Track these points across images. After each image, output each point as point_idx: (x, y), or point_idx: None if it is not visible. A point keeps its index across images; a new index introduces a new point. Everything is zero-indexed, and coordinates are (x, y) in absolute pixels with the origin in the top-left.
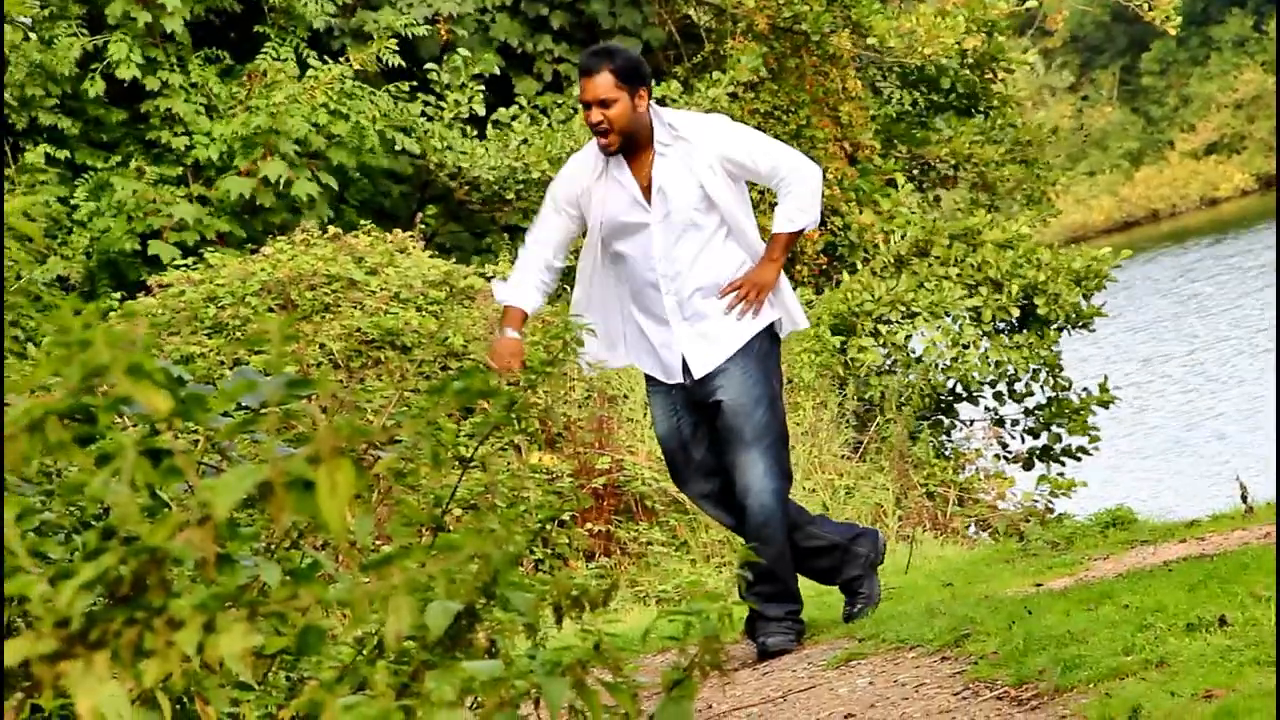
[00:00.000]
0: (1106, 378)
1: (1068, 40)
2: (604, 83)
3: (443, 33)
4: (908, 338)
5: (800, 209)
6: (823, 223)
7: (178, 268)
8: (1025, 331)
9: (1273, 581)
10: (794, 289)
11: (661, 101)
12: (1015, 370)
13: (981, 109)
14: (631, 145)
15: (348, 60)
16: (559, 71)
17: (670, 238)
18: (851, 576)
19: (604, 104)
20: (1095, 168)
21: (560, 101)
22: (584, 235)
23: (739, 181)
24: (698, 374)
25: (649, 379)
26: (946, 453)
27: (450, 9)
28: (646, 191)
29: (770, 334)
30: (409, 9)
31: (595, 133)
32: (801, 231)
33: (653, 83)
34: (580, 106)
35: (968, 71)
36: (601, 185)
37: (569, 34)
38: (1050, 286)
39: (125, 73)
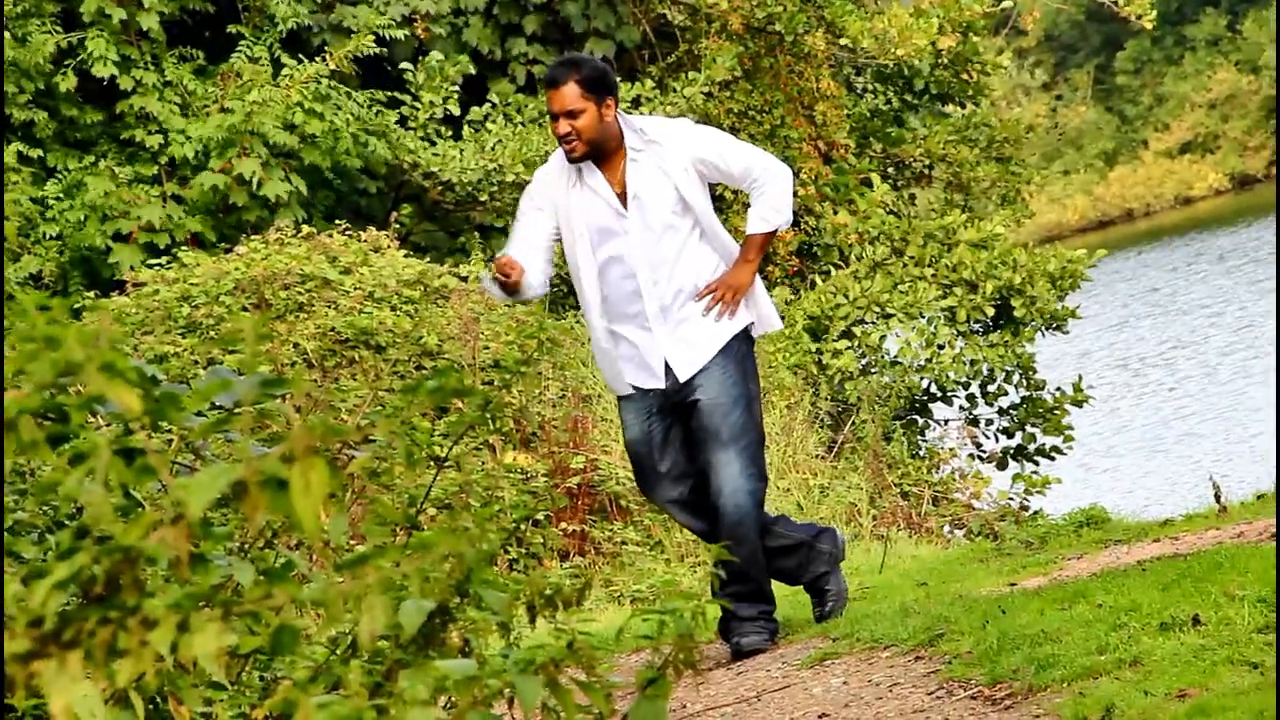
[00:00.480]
0: (1080, 377)
1: (1042, 39)
2: (570, 93)
3: (420, 31)
4: (882, 338)
5: (774, 209)
6: (796, 223)
7: (151, 267)
8: (1000, 331)
9: (1246, 580)
10: (768, 290)
11: (636, 101)
12: (991, 370)
13: (956, 102)
14: (600, 153)
15: (325, 59)
16: (532, 74)
17: (650, 242)
18: (817, 574)
19: (571, 115)
20: (1070, 167)
21: (533, 104)
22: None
23: (706, 184)
24: (683, 377)
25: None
26: (921, 452)
27: (428, 7)
28: (622, 198)
29: (747, 336)
30: (386, 7)
31: (562, 143)
32: (775, 232)
33: (619, 89)
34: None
35: (942, 71)
36: (577, 195)
37: (542, 37)
38: (1027, 289)
39: (102, 70)
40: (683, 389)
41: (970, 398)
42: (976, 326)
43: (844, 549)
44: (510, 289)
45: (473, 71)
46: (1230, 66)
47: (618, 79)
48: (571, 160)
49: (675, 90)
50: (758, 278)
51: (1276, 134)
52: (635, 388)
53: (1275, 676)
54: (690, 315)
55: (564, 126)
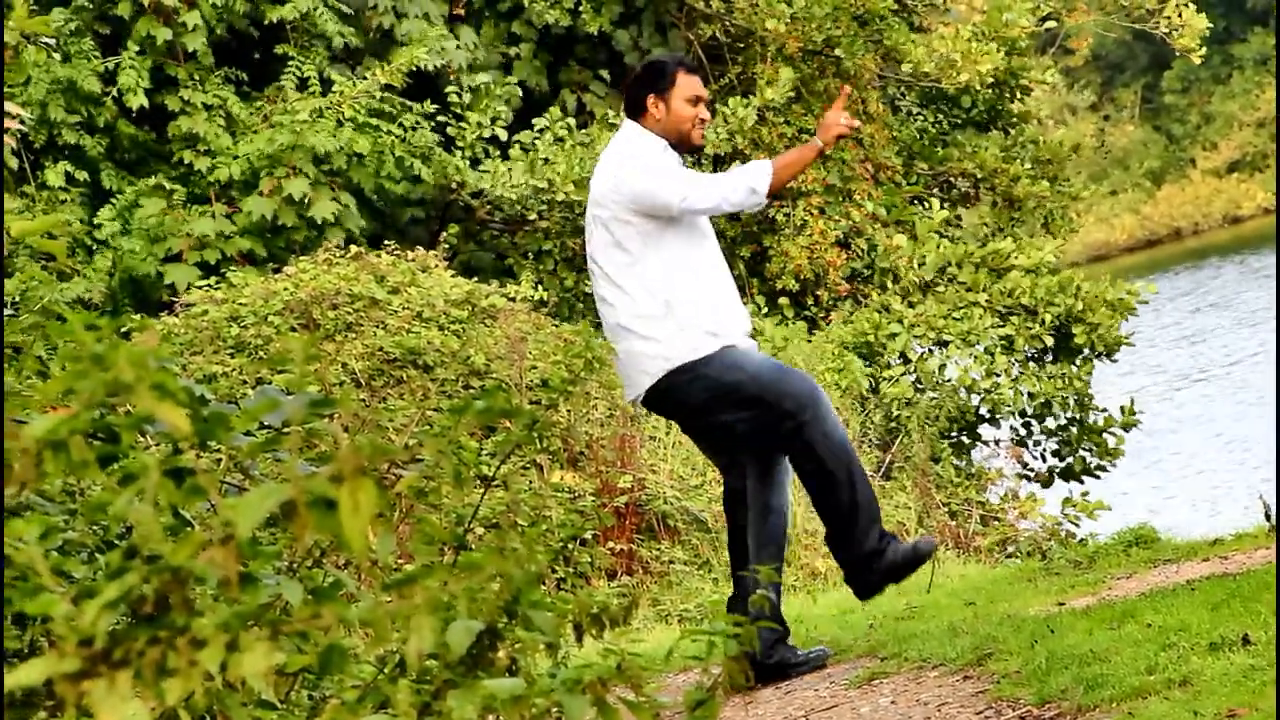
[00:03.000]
0: (1132, 400)
1: (1089, 59)
2: (701, 84)
3: (451, 76)
4: (942, 367)
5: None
6: (847, 245)
7: (200, 287)
8: (1058, 361)
9: None
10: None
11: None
12: (1050, 402)
13: (1000, 126)
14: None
15: (375, 75)
16: (582, 101)
17: None
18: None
19: (708, 104)
20: (1117, 186)
21: (584, 124)
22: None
23: None
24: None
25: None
26: (970, 472)
27: (459, 60)
28: None
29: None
30: (422, 40)
31: (699, 126)
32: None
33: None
34: (684, 102)
35: (988, 91)
36: None
37: (592, 62)
38: (1089, 316)
39: (133, 101)
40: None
41: (1025, 423)
42: (1031, 353)
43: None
44: None
45: (519, 96)
46: None
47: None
48: (699, 148)
49: (729, 112)
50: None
51: (1277, 143)
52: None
53: (1275, 684)
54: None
55: (704, 112)
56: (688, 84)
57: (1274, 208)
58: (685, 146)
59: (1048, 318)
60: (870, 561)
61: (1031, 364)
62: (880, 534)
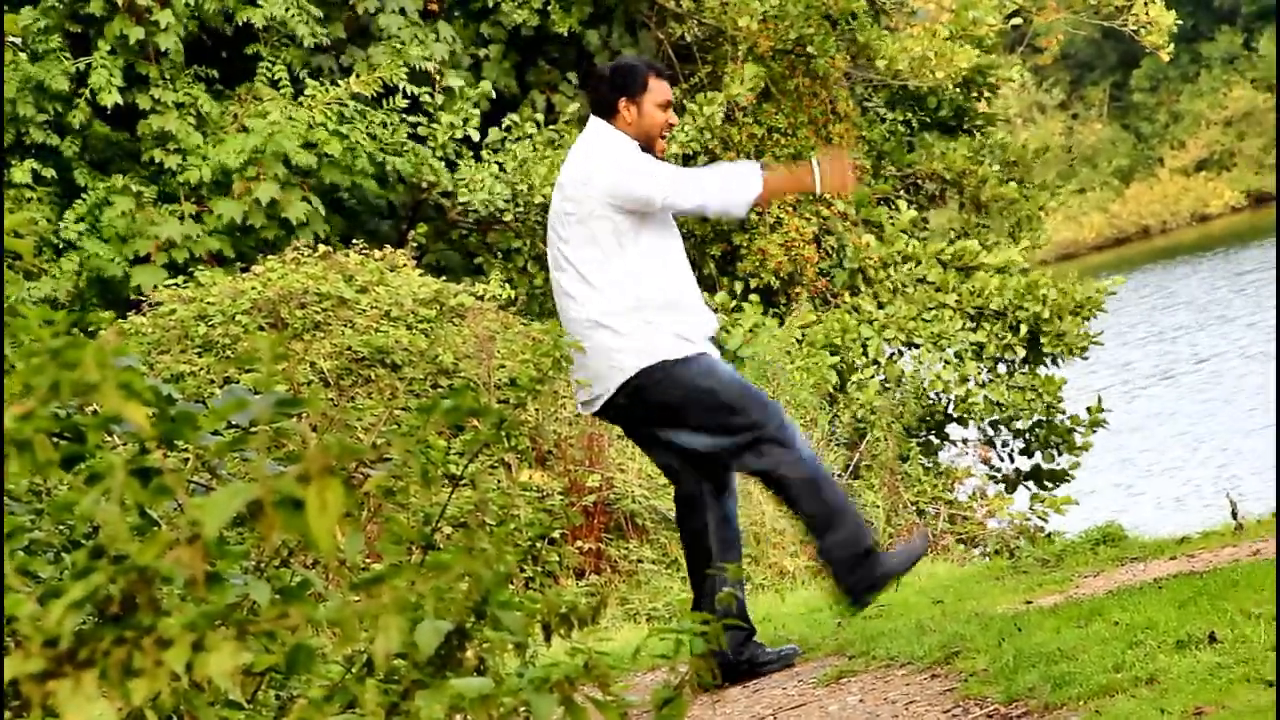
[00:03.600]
0: (1100, 399)
1: (1058, 57)
2: (669, 90)
3: (434, 73)
4: (914, 372)
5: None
6: (819, 244)
7: (168, 286)
8: (1028, 369)
9: (1263, 598)
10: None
11: None
12: (1019, 414)
13: (967, 127)
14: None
15: (347, 84)
16: (551, 101)
17: None
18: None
19: (676, 110)
20: (1086, 184)
21: (554, 124)
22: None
23: None
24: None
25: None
26: (939, 471)
27: (441, 53)
28: None
29: (675, 362)
30: (400, 48)
31: (666, 131)
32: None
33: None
34: (655, 107)
35: (956, 91)
36: None
37: (561, 62)
38: (1055, 324)
39: (107, 99)
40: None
41: (994, 423)
42: (1000, 359)
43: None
44: None
45: (493, 95)
46: (1246, 84)
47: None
48: (661, 152)
49: (695, 110)
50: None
51: (1278, 142)
52: None
53: (1276, 686)
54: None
55: (672, 119)
56: (659, 89)
57: (1241, 205)
58: (650, 150)
59: (1023, 326)
60: (856, 566)
61: (1000, 368)
62: (866, 538)
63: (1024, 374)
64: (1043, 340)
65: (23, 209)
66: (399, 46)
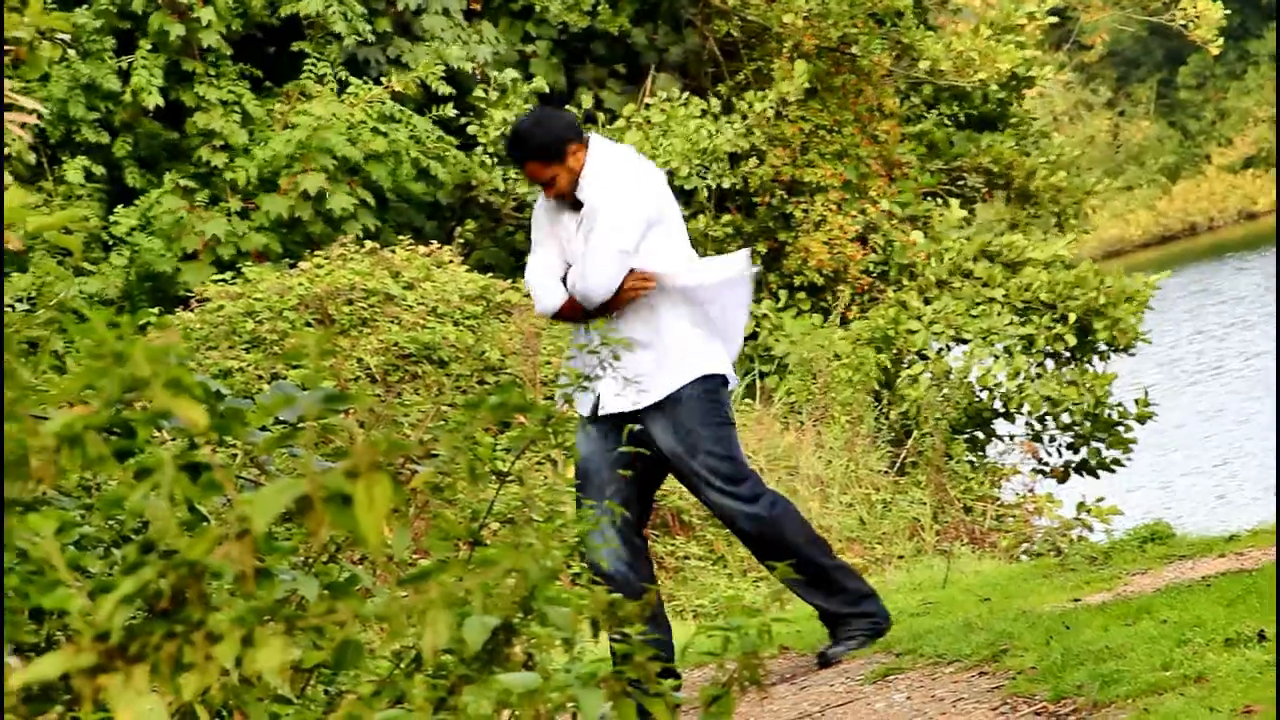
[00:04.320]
0: (1146, 391)
1: (1105, 54)
2: (535, 171)
3: (477, 74)
4: (965, 369)
5: (579, 275)
6: (865, 241)
7: (216, 282)
8: (1077, 363)
9: None
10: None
11: (703, 114)
12: (1069, 408)
13: (1007, 124)
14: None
15: (388, 83)
16: (600, 98)
17: None
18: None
19: (547, 184)
20: (1132, 182)
21: (602, 121)
22: None
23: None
24: (604, 410)
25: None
26: (984, 469)
27: (483, 55)
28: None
29: (702, 381)
30: (445, 46)
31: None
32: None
33: (576, 131)
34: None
35: (996, 87)
36: (559, 225)
37: (609, 61)
38: (1111, 310)
39: (148, 100)
40: (640, 431)
41: (1040, 417)
42: (1051, 352)
43: (884, 625)
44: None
45: (546, 90)
46: None
47: (570, 121)
48: (568, 206)
49: (744, 107)
50: (690, 327)
51: (1277, 141)
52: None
53: (1275, 687)
54: (632, 360)
55: (548, 194)
56: (528, 176)
57: None
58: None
59: (1072, 316)
60: (837, 623)
61: (1049, 362)
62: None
63: (1073, 369)
64: (1096, 327)
65: (73, 206)
66: (440, 46)
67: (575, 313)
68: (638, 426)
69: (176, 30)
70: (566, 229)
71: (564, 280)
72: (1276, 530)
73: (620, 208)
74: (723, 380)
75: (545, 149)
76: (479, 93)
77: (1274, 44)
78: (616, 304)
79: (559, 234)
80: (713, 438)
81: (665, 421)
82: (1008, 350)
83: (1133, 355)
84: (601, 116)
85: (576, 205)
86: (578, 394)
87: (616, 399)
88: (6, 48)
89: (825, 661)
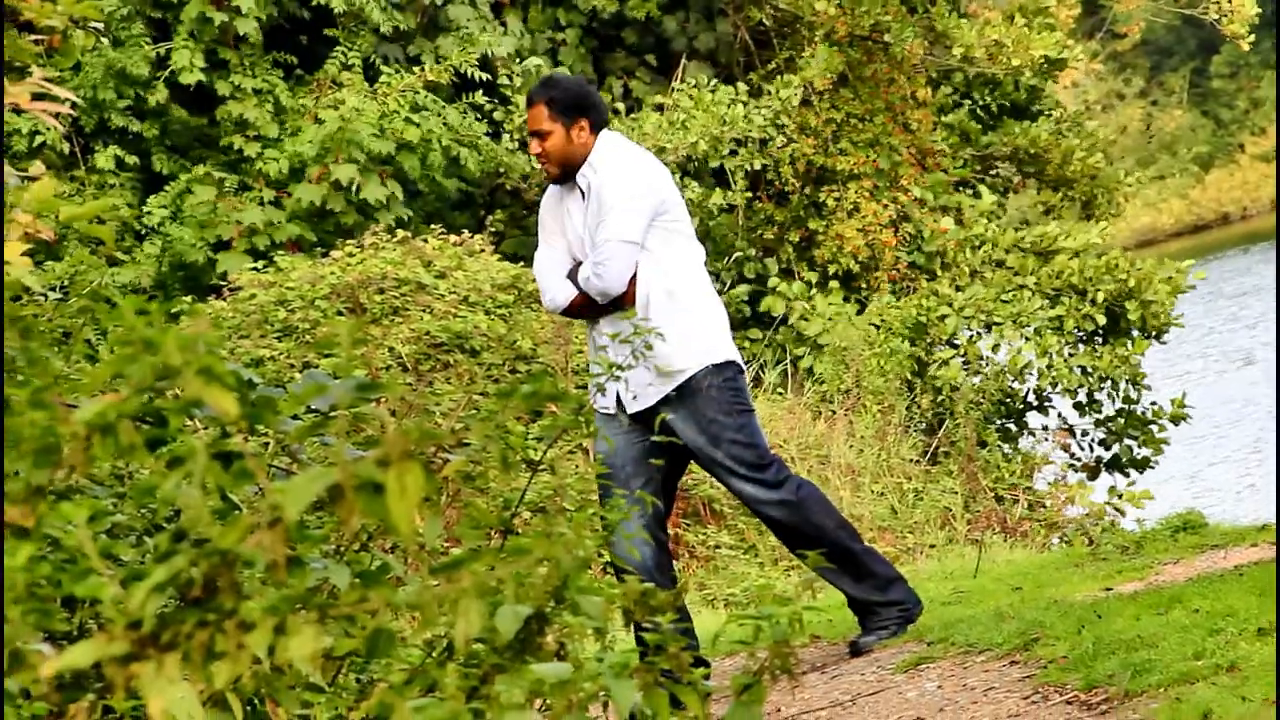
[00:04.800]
0: (1184, 394)
1: (1137, 44)
2: (539, 114)
3: (498, 66)
4: (995, 348)
5: (594, 272)
6: (896, 229)
7: (248, 271)
8: (1109, 342)
9: None
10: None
11: (732, 102)
12: (1106, 378)
13: (1038, 112)
14: (568, 173)
15: (421, 71)
16: (629, 87)
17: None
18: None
19: (539, 135)
20: (1165, 171)
21: (631, 109)
22: None
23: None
24: (629, 410)
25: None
26: (1016, 458)
27: (508, 48)
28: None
29: (716, 369)
30: (470, 38)
31: (537, 161)
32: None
33: (601, 113)
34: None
35: (1029, 74)
36: (563, 213)
37: (639, 50)
38: (1142, 292)
39: (189, 78)
40: (663, 427)
41: (1077, 405)
42: (1082, 334)
43: (915, 611)
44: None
45: None
46: None
47: (597, 103)
48: (549, 181)
49: (770, 94)
50: (700, 315)
51: (1278, 143)
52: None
53: (1275, 686)
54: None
55: (535, 146)
56: (530, 118)
57: None
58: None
59: (1099, 296)
60: (867, 612)
61: (1082, 345)
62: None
63: (1105, 349)
64: (1128, 308)
65: (105, 195)
66: (468, 35)
67: (586, 308)
68: (669, 414)
69: (218, 17)
70: (572, 218)
71: (570, 276)
72: (1277, 528)
73: (627, 197)
74: (738, 367)
75: (560, 101)
76: (504, 80)
77: None
78: (628, 298)
79: (565, 225)
80: (734, 426)
81: (686, 412)
82: (1038, 332)
83: (1164, 344)
84: (622, 106)
85: (574, 186)
86: (596, 392)
87: (642, 394)
88: (39, 36)
89: (857, 651)
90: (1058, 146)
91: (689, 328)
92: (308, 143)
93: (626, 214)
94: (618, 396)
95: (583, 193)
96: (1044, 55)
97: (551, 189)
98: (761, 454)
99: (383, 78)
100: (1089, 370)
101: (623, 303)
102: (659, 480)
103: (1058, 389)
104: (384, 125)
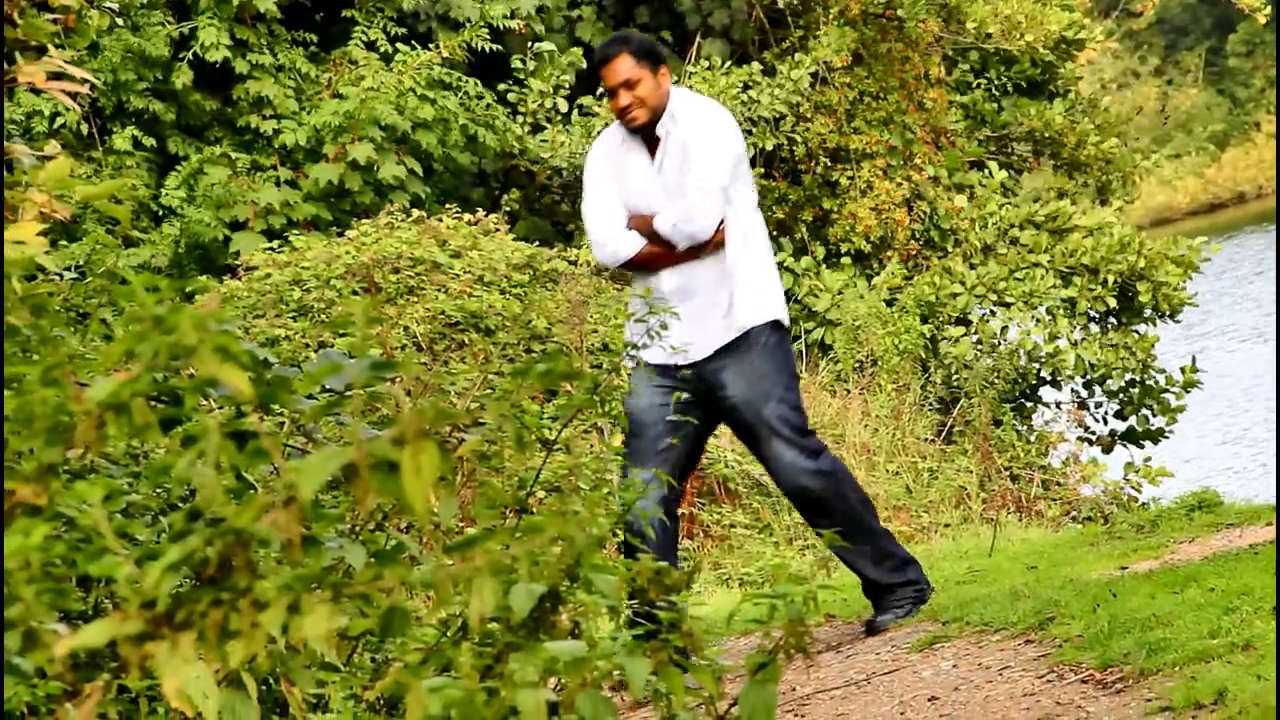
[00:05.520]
0: (1194, 359)
1: (1153, 22)
2: (625, 65)
3: (520, 28)
4: (1004, 329)
5: (685, 218)
6: (910, 208)
7: (264, 251)
8: (1122, 328)
9: None
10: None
11: (746, 86)
12: (1112, 373)
13: (1054, 91)
14: (653, 124)
15: (438, 47)
16: None
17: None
18: (893, 583)
19: (629, 85)
20: (1180, 150)
21: None
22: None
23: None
24: (692, 357)
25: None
26: (1030, 436)
27: (530, 6)
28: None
29: (776, 326)
30: (482, 5)
31: (624, 116)
32: (666, 240)
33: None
34: (610, 96)
35: (1047, 53)
36: (623, 165)
37: (655, 28)
38: (1153, 273)
39: (215, 55)
40: (710, 379)
41: (1087, 383)
42: (1095, 315)
43: (928, 593)
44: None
45: (584, 65)
46: None
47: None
48: (633, 128)
49: (783, 72)
50: (766, 270)
51: (1277, 135)
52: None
53: (1275, 682)
54: (709, 301)
55: (625, 98)
56: (605, 76)
57: None
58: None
59: (1110, 277)
60: (882, 593)
61: (1093, 326)
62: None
63: (1117, 332)
64: (1140, 290)
65: (122, 176)
66: (485, 6)
67: (656, 258)
68: (722, 364)
69: None
70: (631, 171)
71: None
72: (1276, 515)
73: (717, 145)
74: (788, 330)
75: (646, 49)
76: (517, 63)
77: None
78: (712, 244)
79: (625, 176)
80: (785, 386)
81: (740, 366)
82: (1050, 313)
83: (1178, 323)
84: None
85: (649, 140)
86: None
87: (700, 342)
88: (55, 16)
89: (872, 630)
90: (1073, 130)
91: (759, 279)
92: (331, 114)
93: (716, 161)
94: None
95: (653, 144)
96: (1061, 35)
97: (608, 138)
98: (805, 420)
99: (399, 55)
100: (1094, 364)
101: (703, 250)
102: (681, 453)
103: (1064, 376)
104: (400, 104)
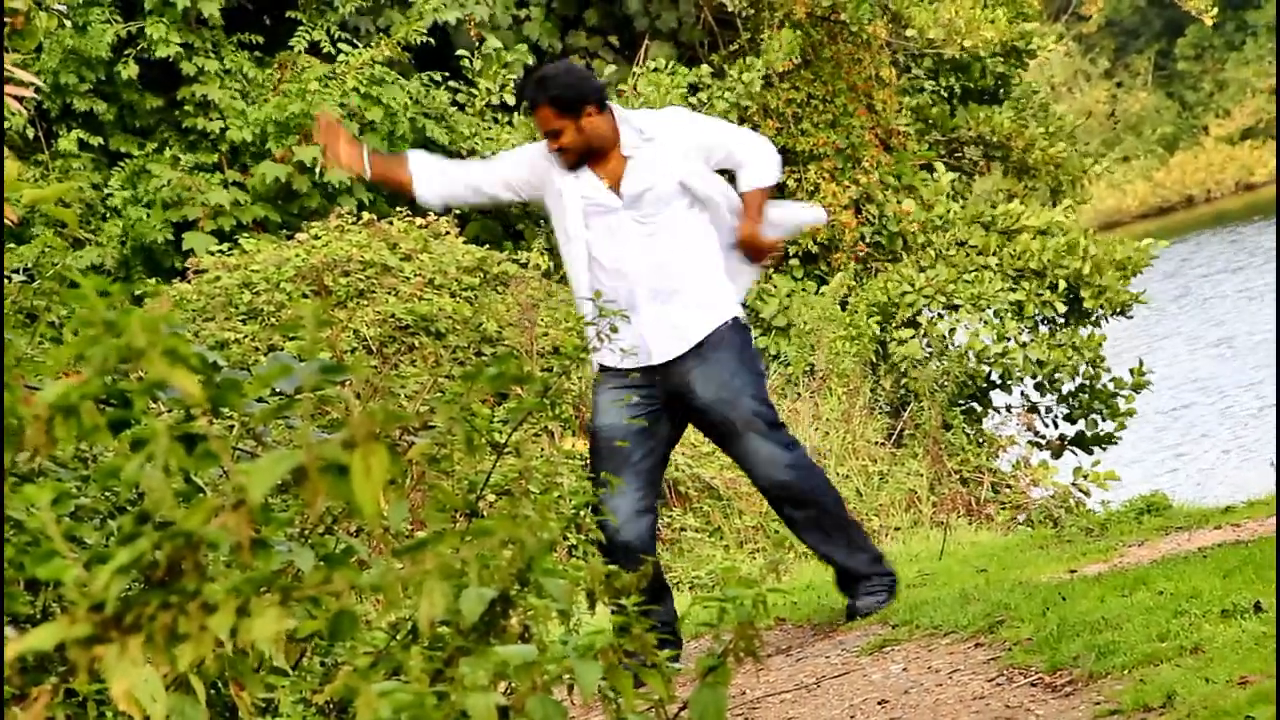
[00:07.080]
0: (1141, 361)
1: (1103, 25)
2: (545, 116)
3: (472, 33)
4: (952, 331)
5: (767, 168)
6: (859, 211)
7: (213, 253)
8: (1069, 327)
9: None
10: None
11: (694, 88)
12: (1059, 371)
13: (1007, 96)
14: (591, 154)
15: (379, 45)
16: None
17: (642, 234)
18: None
19: (552, 134)
20: (1130, 153)
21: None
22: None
23: (709, 165)
24: (658, 359)
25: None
26: (980, 440)
27: (481, 14)
28: (615, 191)
29: (739, 324)
30: (440, 9)
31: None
32: (768, 189)
33: (599, 91)
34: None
35: (998, 60)
36: (569, 179)
37: (602, 30)
38: (1095, 279)
39: (164, 51)
40: (676, 383)
41: (1037, 385)
42: (1042, 317)
43: (893, 590)
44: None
45: (531, 62)
46: None
47: (592, 82)
48: (566, 167)
49: (732, 76)
50: (721, 269)
51: (1277, 132)
52: (605, 367)
53: (1275, 679)
54: (680, 302)
55: (551, 145)
56: (537, 121)
57: None
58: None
59: (1060, 283)
60: (858, 581)
61: (1042, 328)
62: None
63: (1065, 332)
64: (1084, 295)
65: (70, 178)
66: (427, 7)
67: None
68: (689, 367)
69: (182, 1)
70: (565, 188)
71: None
72: (1277, 506)
73: (703, 121)
74: (749, 326)
75: (562, 99)
76: (464, 63)
77: (1273, 14)
78: (761, 257)
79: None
80: (754, 383)
81: (706, 368)
82: (998, 315)
83: (1130, 318)
84: None
85: (576, 167)
86: (604, 348)
87: (664, 346)
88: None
89: (853, 614)
90: (1021, 134)
91: (716, 278)
92: (270, 114)
93: (717, 124)
94: (626, 351)
95: (611, 165)
96: (1006, 41)
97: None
98: (776, 414)
99: (341, 56)
100: (1043, 362)
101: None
102: (655, 464)
103: (1013, 377)
104: (344, 103)
